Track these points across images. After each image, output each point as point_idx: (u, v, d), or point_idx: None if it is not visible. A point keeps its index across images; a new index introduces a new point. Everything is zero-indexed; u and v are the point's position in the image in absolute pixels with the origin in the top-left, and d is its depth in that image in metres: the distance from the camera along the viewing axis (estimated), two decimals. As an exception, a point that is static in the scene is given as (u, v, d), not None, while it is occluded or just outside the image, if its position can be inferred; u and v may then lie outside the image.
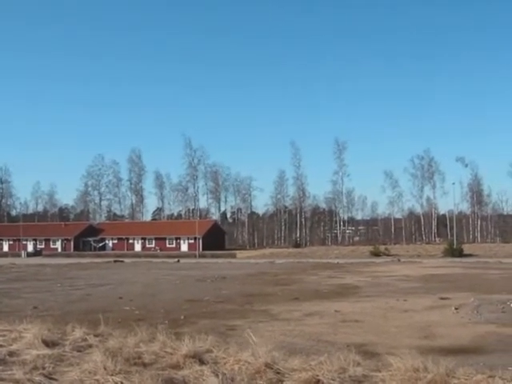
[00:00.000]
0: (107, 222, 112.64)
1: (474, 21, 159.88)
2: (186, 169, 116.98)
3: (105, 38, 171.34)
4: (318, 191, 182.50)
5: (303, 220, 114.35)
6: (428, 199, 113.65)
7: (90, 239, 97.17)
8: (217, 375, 7.15)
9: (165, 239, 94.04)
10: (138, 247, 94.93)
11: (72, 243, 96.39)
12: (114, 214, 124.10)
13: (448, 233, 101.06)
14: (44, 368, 7.67)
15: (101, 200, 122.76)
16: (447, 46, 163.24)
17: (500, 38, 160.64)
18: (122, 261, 63.27)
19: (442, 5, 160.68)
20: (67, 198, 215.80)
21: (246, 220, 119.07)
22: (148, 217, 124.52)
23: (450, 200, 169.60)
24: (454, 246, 69.84)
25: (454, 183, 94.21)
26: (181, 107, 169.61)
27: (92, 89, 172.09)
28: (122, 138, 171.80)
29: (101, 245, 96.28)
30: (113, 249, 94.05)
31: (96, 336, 10.26)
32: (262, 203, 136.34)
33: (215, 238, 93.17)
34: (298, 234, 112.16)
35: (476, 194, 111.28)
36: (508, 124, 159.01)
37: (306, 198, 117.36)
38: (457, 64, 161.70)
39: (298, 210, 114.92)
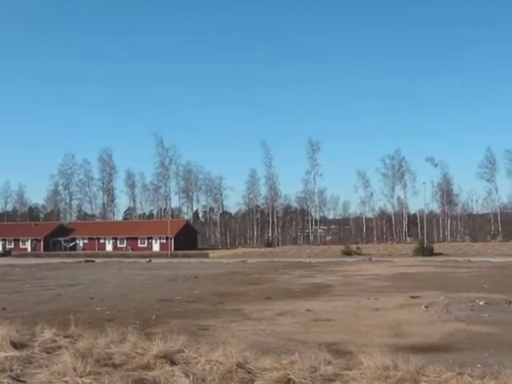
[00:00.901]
0: (78, 221, 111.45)
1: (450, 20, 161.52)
2: (157, 168, 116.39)
3: (74, 38, 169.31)
4: (290, 191, 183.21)
5: (275, 219, 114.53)
6: (399, 199, 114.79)
7: (60, 239, 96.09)
8: (188, 375, 7.12)
9: (136, 239, 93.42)
10: (109, 247, 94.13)
11: (42, 243, 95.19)
12: (85, 214, 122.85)
13: (418, 232, 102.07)
14: (12, 370, 7.57)
15: (71, 199, 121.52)
16: (417, 44, 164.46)
17: (465, 36, 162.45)
18: (92, 261, 62.72)
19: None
20: (37, 197, 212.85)
21: (218, 219, 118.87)
22: (119, 216, 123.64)
23: (421, 199, 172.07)
24: (425, 245, 70.61)
25: (424, 183, 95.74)
26: (152, 106, 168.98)
27: (62, 88, 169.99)
28: (93, 136, 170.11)
29: (71, 245, 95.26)
30: (83, 249, 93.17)
31: (66, 337, 10.16)
32: (234, 202, 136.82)
33: (187, 238, 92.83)
34: (270, 234, 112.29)
35: (446, 193, 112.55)
36: (477, 125, 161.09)
37: (278, 197, 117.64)
38: (427, 63, 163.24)
39: (270, 210, 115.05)
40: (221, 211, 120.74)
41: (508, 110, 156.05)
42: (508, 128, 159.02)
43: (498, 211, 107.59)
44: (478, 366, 9.08)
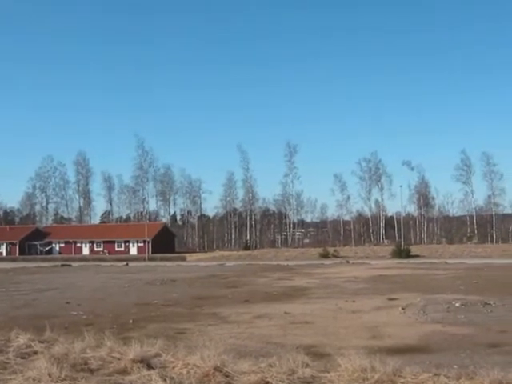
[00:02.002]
0: (54, 225, 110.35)
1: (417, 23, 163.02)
2: (135, 171, 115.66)
3: (49, 43, 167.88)
4: (268, 193, 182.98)
5: (253, 222, 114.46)
6: (376, 201, 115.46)
7: (36, 243, 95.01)
8: (165, 379, 7.08)
9: (113, 242, 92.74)
10: (85, 251, 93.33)
11: (17, 247, 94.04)
12: (61, 217, 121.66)
13: (396, 234, 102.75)
14: (-14, 376, 7.46)
15: (47, 203, 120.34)
16: (393, 46, 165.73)
17: (441, 39, 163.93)
18: (69, 265, 62.10)
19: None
20: (12, 200, 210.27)
21: (196, 223, 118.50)
22: (96, 220, 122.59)
23: (398, 202, 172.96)
24: (402, 248, 71.03)
25: (401, 186, 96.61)
26: (129, 110, 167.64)
27: (39, 91, 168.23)
28: (69, 139, 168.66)
29: (47, 248, 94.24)
30: (60, 252, 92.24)
31: (41, 342, 10.04)
32: (211, 206, 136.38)
33: (165, 241, 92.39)
34: (248, 237, 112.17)
35: (422, 196, 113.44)
36: (453, 127, 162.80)
37: (256, 200, 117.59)
38: (403, 66, 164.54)
39: (248, 213, 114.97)
40: (199, 214, 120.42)
41: (483, 113, 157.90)
42: (484, 130, 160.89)
43: (474, 213, 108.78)
44: (455, 366, 9.16)
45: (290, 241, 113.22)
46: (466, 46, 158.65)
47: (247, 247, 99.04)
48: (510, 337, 14.05)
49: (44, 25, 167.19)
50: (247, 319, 18.07)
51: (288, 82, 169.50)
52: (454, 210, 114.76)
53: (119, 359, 8.27)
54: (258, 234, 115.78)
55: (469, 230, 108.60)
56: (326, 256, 70.36)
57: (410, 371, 7.60)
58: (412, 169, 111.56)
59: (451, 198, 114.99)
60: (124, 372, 7.72)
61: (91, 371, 7.80)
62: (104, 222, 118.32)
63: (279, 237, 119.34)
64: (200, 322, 17.39)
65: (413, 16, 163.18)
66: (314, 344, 13.15)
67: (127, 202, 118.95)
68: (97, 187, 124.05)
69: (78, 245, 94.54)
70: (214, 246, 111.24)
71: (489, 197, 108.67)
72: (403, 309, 19.48)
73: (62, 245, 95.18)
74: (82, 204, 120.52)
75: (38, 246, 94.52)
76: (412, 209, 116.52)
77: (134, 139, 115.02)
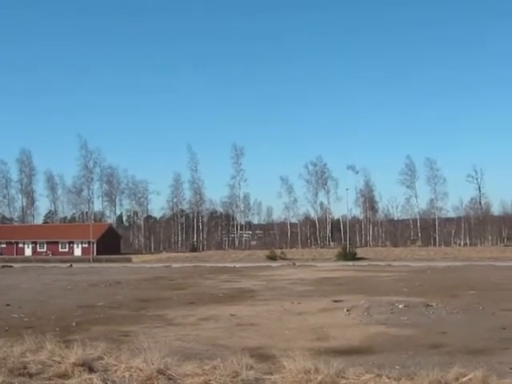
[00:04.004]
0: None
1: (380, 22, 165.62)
2: (80, 171, 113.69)
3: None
4: (215, 195, 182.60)
5: (200, 224, 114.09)
6: (322, 205, 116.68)
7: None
8: (106, 383, 6.95)
9: (57, 243, 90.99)
10: (28, 252, 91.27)
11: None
12: (3, 217, 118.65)
13: (342, 237, 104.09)
14: None
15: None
16: (341, 48, 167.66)
17: (386, 42, 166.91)
18: (10, 266, 60.51)
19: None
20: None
21: (142, 224, 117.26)
22: (39, 220, 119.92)
23: (344, 205, 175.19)
24: (348, 250, 71.98)
25: (347, 189, 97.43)
26: (75, 109, 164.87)
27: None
28: (11, 137, 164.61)
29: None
30: (1, 253, 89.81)
31: (-22, 346, 9.73)
32: (158, 207, 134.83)
33: (110, 242, 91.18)
34: (195, 238, 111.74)
35: (368, 199, 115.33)
36: (399, 132, 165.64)
37: (203, 202, 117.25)
38: (349, 70, 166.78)
39: (195, 214, 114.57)
40: (145, 215, 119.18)
41: (428, 118, 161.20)
42: (428, 136, 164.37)
43: (418, 217, 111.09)
44: (397, 367, 9.31)
45: (237, 243, 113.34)
46: (407, 46, 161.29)
47: (194, 249, 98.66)
48: (451, 338, 14.39)
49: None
50: (193, 321, 17.98)
51: (236, 84, 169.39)
52: (398, 214, 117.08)
53: (60, 363, 8.08)
54: (205, 235, 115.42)
55: (412, 234, 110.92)
56: (272, 258, 70.64)
57: (353, 372, 7.68)
58: (357, 172, 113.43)
59: (395, 201, 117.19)
60: (64, 376, 7.55)
61: (30, 375, 7.60)
62: (47, 223, 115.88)
63: (226, 239, 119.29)
64: (145, 325, 17.20)
65: (362, 15, 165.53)
66: (260, 346, 13.16)
67: (72, 203, 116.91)
68: (40, 187, 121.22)
69: (20, 245, 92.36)
70: (161, 248, 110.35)
71: (432, 201, 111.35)
72: (348, 310, 19.71)
73: (4, 245, 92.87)
74: (24, 204, 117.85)
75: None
76: (358, 212, 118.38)
77: (77, 139, 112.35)
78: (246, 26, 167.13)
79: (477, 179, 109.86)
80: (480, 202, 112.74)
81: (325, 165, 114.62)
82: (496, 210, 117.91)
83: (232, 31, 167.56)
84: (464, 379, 7.45)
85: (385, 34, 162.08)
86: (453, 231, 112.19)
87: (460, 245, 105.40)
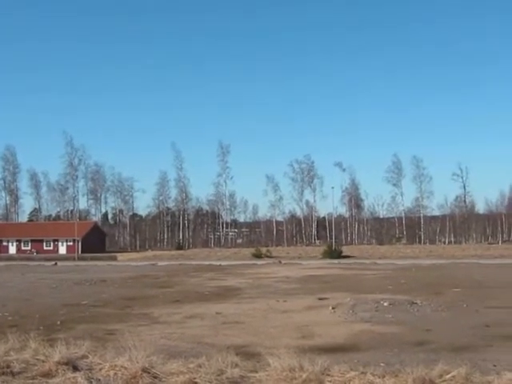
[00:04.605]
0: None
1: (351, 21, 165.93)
2: (65, 168, 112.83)
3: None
4: (201, 193, 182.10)
5: (186, 222, 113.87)
6: (308, 203, 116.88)
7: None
8: (90, 382, 6.93)
9: (42, 241, 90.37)
10: (12, 250, 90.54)
11: None
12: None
13: (327, 235, 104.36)
14: None
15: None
16: (320, 45, 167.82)
17: (366, 40, 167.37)
18: (-6, 264, 60.14)
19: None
20: None
21: (128, 222, 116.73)
22: (24, 218, 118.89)
23: (329, 203, 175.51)
24: (333, 248, 72.10)
25: (333, 187, 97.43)
26: (60, 105, 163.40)
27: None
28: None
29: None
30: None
31: (-39, 345, 9.64)
32: (144, 205, 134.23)
33: (95, 240, 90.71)
34: (180, 236, 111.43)
35: (353, 198, 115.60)
36: (383, 131, 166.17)
37: (189, 200, 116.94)
38: (334, 67, 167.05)
39: (181, 212, 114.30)
40: (131, 213, 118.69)
41: (415, 117, 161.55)
42: (415, 134, 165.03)
43: (403, 215, 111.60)
44: (381, 364, 9.36)
45: (223, 241, 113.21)
46: (398, 45, 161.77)
47: (180, 247, 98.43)
48: (435, 335, 14.48)
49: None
50: (178, 319, 17.97)
51: (219, 82, 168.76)
52: (384, 212, 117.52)
53: (44, 362, 8.03)
54: (190, 233, 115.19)
55: (398, 232, 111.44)
56: (258, 256, 70.65)
57: (337, 369, 7.70)
58: (344, 170, 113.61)
59: (381, 199, 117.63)
60: (48, 375, 7.50)
61: (13, 374, 7.54)
62: (32, 221, 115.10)
63: (212, 237, 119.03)
64: (130, 323, 17.16)
65: (351, 14, 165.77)
66: (245, 344, 13.18)
67: (56, 200, 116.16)
68: (24, 184, 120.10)
69: (5, 244, 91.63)
70: (146, 246, 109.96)
71: (417, 199, 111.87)
72: (333, 308, 19.78)
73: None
74: (8, 201, 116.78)
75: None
76: (343, 210, 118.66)
77: (62, 136, 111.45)
78: (225, 24, 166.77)
79: (462, 177, 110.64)
80: (465, 201, 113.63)
81: (311, 163, 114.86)
82: (480, 208, 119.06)
83: (215, 29, 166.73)
84: (448, 376, 7.50)
85: (382, 32, 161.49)
86: (438, 229, 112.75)
87: (445, 243, 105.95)
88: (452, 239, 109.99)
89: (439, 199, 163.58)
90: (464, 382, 7.41)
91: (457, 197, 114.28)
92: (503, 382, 7.51)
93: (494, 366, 10.30)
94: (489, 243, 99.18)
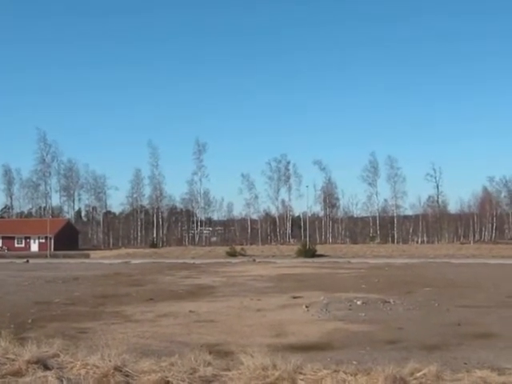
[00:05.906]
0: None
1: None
2: (37, 164, 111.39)
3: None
4: (175, 191, 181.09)
5: (160, 220, 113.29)
6: (283, 201, 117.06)
7: None
8: (61, 380, 6.86)
9: (13, 238, 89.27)
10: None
11: None
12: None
13: (302, 234, 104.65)
14: None
15: None
16: (301, 44, 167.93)
17: (350, 36, 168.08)
18: (-36, 262, 59.27)
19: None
20: None
21: (101, 219, 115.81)
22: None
23: (305, 202, 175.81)
24: (307, 247, 72.27)
25: (307, 186, 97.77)
26: (35, 103, 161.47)
27: None
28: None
29: None
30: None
31: None
32: (117, 202, 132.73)
33: (68, 238, 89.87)
34: (154, 234, 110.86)
35: (329, 197, 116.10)
36: (362, 130, 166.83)
37: (163, 197, 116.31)
38: (315, 64, 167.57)
39: (155, 210, 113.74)
40: (104, 211, 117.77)
41: (391, 117, 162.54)
42: (390, 134, 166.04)
43: (377, 214, 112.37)
44: (354, 362, 9.42)
45: (197, 239, 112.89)
46: (387, 41, 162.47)
47: (154, 245, 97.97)
48: (407, 333, 14.63)
49: None
50: (151, 318, 17.89)
51: (199, 79, 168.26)
52: (358, 212, 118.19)
53: (14, 360, 7.92)
54: (165, 231, 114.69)
55: (371, 231, 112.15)
56: (233, 254, 70.61)
57: (310, 368, 7.73)
58: (323, 168, 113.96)
59: (356, 198, 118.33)
60: (18, 373, 7.41)
61: (-18, 373, 7.44)
62: (3, 218, 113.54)
63: (186, 235, 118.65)
64: (103, 321, 17.06)
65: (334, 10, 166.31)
66: (219, 342, 13.17)
67: (28, 197, 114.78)
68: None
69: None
70: (120, 244, 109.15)
71: (391, 199, 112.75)
72: (307, 307, 19.86)
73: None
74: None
75: None
76: (318, 209, 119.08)
77: (35, 132, 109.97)
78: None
79: (435, 178, 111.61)
80: (438, 201, 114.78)
81: (289, 162, 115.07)
82: (453, 208, 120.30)
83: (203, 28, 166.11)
84: (419, 374, 7.57)
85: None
86: (411, 229, 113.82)
87: (418, 242, 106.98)
88: (425, 239, 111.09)
89: (412, 199, 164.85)
90: (435, 379, 7.49)
91: (430, 197, 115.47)
92: (473, 380, 7.60)
93: (465, 363, 10.44)
94: (461, 243, 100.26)
